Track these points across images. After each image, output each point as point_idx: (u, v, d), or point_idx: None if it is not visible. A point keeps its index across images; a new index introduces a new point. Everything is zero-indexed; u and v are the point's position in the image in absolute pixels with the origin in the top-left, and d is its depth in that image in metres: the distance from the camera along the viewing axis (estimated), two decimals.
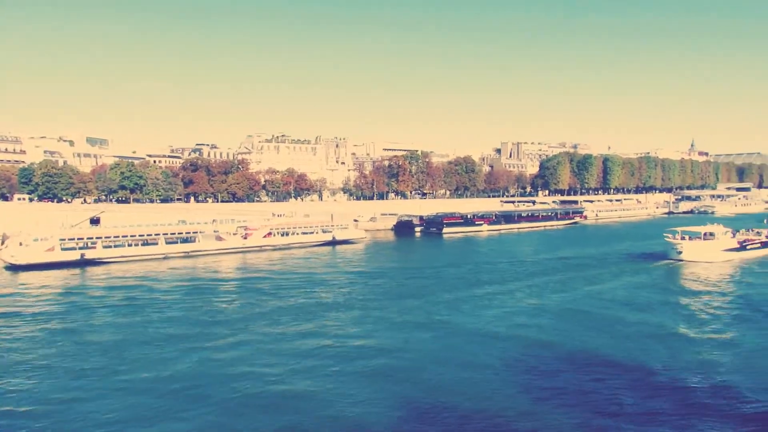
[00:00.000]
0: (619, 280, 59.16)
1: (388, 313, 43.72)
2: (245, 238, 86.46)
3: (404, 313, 43.70)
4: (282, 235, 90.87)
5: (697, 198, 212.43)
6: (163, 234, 79.31)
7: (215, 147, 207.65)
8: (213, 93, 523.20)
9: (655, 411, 25.30)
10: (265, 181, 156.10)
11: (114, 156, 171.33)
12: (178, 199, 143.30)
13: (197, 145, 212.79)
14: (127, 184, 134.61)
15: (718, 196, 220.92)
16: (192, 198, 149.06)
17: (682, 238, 71.51)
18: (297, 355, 33.23)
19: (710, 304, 47.42)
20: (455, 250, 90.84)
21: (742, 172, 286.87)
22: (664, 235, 74.06)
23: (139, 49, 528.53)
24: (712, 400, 26.68)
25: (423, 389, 28.07)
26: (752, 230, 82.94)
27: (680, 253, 69.64)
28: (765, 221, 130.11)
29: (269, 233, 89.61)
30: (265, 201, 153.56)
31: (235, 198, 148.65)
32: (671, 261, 69.59)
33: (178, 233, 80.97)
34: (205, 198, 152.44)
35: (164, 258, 76.32)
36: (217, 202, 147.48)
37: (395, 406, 26.02)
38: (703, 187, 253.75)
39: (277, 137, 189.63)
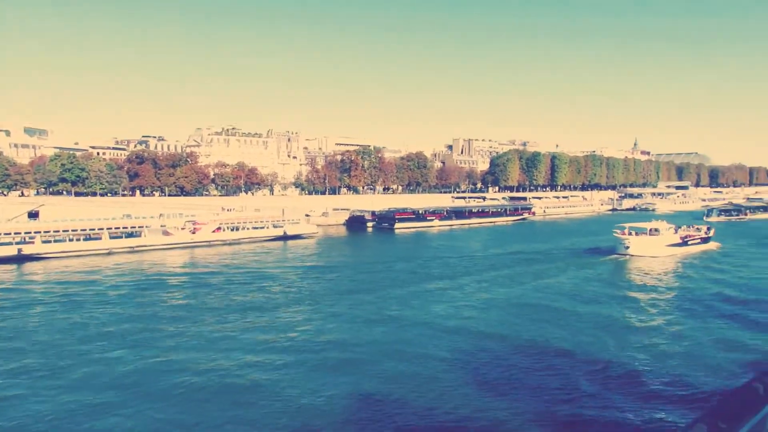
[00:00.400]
0: (569, 273, 60.15)
1: (339, 308, 43.21)
2: (193, 233, 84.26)
3: (355, 308, 43.26)
4: (232, 230, 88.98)
5: (639, 195, 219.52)
6: (107, 228, 76.52)
7: (162, 139, 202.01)
8: (161, 84, 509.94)
9: (608, 401, 25.63)
10: (214, 174, 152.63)
11: (54, 147, 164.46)
12: (123, 193, 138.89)
13: (143, 137, 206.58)
14: (69, 176, 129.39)
15: (659, 194, 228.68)
16: (138, 191, 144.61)
17: (629, 234, 73.58)
18: (245, 350, 32.39)
19: (656, 297, 48.73)
20: (407, 246, 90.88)
21: (681, 171, 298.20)
22: (613, 231, 76.00)
23: (81, 38, 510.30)
24: (661, 388, 27.30)
25: (375, 383, 27.67)
26: (692, 226, 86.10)
27: (627, 248, 71.60)
28: (704, 218, 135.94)
29: (218, 228, 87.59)
30: (215, 195, 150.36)
31: (183, 192, 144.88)
32: (619, 255, 71.44)
33: (123, 228, 78.30)
34: (152, 192, 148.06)
35: (108, 253, 73.62)
36: (165, 195, 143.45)
37: (346, 399, 25.57)
38: (645, 185, 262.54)
39: (228, 130, 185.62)
